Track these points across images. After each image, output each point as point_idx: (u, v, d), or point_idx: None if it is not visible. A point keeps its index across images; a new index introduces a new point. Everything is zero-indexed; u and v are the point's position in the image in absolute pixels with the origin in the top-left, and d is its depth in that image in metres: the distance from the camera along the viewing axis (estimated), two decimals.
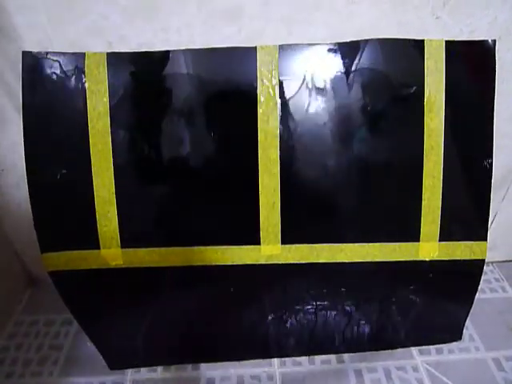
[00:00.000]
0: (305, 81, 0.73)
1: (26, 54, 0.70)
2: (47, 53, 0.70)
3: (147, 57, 0.72)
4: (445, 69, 0.73)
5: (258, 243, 0.78)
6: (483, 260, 0.82)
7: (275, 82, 0.72)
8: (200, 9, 0.72)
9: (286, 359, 0.90)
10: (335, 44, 0.72)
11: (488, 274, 1.12)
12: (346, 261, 0.80)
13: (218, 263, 0.79)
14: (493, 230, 1.02)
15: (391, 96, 0.75)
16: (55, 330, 0.99)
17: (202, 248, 0.78)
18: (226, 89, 0.74)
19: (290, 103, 0.74)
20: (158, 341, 0.88)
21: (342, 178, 0.77)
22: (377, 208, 0.79)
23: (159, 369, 0.89)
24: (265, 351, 0.90)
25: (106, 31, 0.74)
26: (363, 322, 0.88)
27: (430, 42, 0.72)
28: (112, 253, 0.77)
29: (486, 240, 0.81)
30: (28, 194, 0.74)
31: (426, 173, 0.76)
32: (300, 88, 0.73)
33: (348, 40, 0.72)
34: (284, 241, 0.78)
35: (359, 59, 0.73)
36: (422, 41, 0.72)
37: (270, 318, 0.86)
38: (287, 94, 0.73)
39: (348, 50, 0.73)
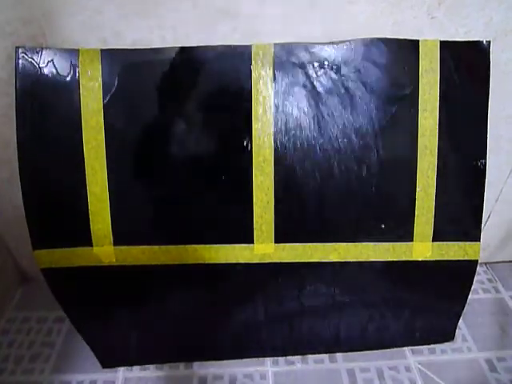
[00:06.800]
0: (300, 80, 0.73)
1: (20, 50, 0.69)
2: (41, 48, 0.70)
3: (142, 54, 0.71)
4: (439, 69, 0.73)
5: (252, 242, 0.78)
6: (476, 260, 0.82)
7: (270, 80, 0.72)
8: (196, 6, 0.72)
9: (279, 358, 0.90)
10: (331, 43, 0.72)
11: (481, 275, 1.12)
12: (340, 260, 0.80)
13: (211, 262, 0.79)
14: (486, 231, 1.03)
15: (386, 95, 0.75)
16: (47, 327, 0.98)
17: (196, 246, 0.78)
18: (221, 87, 0.73)
19: (285, 102, 0.73)
20: (150, 339, 0.88)
21: (336, 178, 0.77)
22: (370, 208, 0.79)
23: (151, 367, 0.89)
24: (258, 350, 0.90)
25: (100, 27, 0.73)
26: (356, 321, 0.88)
27: (425, 42, 0.72)
28: (105, 250, 0.77)
29: (479, 241, 0.81)
30: (20, 189, 0.73)
31: (419, 173, 0.76)
32: (295, 87, 0.73)
33: (344, 39, 0.72)
34: (277, 240, 0.78)
35: (355, 58, 0.73)
36: (417, 41, 0.72)
37: (262, 316, 0.86)
38: (282, 93, 0.73)
39: (343, 50, 0.73)
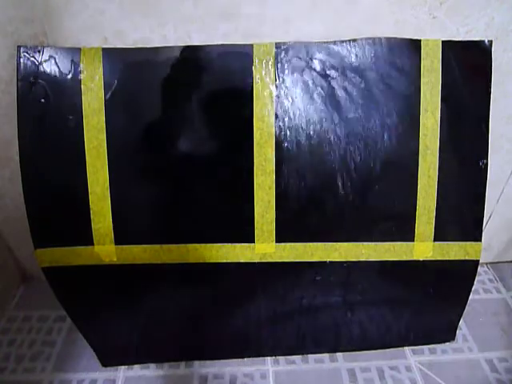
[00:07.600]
0: (302, 79, 0.73)
1: (22, 49, 0.69)
2: (43, 47, 0.70)
3: (143, 53, 0.71)
4: (441, 69, 0.73)
5: (253, 241, 0.78)
6: (477, 261, 0.82)
7: (272, 80, 0.72)
8: (197, 5, 0.72)
9: (280, 358, 0.90)
10: (332, 42, 0.72)
11: (482, 275, 1.12)
12: (340, 260, 0.80)
13: (212, 261, 0.79)
14: (487, 231, 1.03)
15: (388, 95, 0.75)
16: (48, 326, 0.98)
17: (197, 245, 0.78)
18: (222, 86, 0.73)
19: (286, 102, 0.73)
20: (151, 338, 0.88)
21: (337, 177, 0.77)
22: (372, 207, 0.79)
23: (152, 366, 0.89)
24: (258, 349, 0.90)
25: (102, 26, 0.73)
26: (357, 321, 0.88)
27: (427, 42, 0.72)
28: (106, 249, 0.77)
29: (480, 241, 0.81)
30: (22, 188, 0.73)
31: (421, 172, 0.76)
32: (297, 86, 0.73)
33: (345, 39, 0.72)
34: (278, 239, 0.78)
35: (356, 58, 0.73)
36: (419, 40, 0.72)
37: (263, 316, 0.86)
38: (283, 93, 0.73)
39: (345, 49, 0.72)
